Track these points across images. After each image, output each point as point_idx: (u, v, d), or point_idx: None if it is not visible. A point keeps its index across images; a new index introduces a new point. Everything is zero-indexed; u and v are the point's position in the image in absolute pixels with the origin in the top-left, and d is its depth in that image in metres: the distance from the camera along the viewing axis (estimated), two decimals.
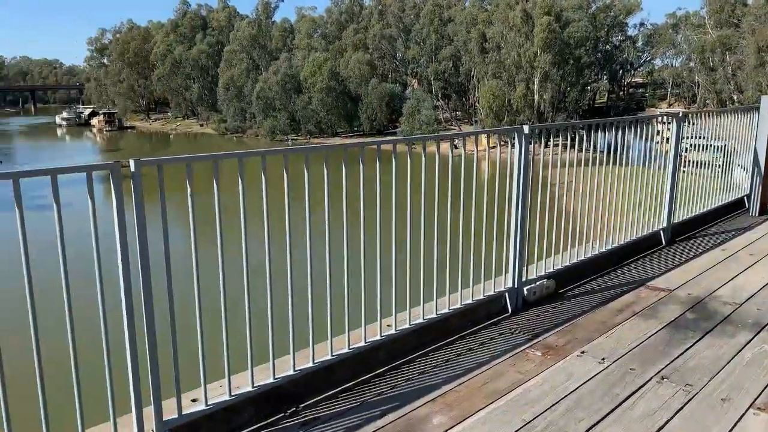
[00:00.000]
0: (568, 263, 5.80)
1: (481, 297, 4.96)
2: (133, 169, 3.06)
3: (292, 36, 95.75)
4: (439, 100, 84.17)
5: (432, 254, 4.55)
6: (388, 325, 4.34)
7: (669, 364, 4.26)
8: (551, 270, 5.60)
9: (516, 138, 5.03)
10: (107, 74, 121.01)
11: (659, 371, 4.14)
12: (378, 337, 4.20)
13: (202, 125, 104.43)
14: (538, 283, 5.42)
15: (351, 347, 4.05)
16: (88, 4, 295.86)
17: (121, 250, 3.12)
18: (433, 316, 4.57)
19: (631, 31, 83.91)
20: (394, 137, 4.33)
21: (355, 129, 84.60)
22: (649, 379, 4.03)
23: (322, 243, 3.91)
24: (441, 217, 4.56)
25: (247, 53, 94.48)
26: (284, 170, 3.67)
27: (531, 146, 5.08)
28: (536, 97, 70.43)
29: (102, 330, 3.11)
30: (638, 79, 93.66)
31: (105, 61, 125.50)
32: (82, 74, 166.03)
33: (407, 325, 4.39)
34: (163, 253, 3.33)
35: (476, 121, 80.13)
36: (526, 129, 5.00)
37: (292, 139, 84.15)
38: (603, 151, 6.20)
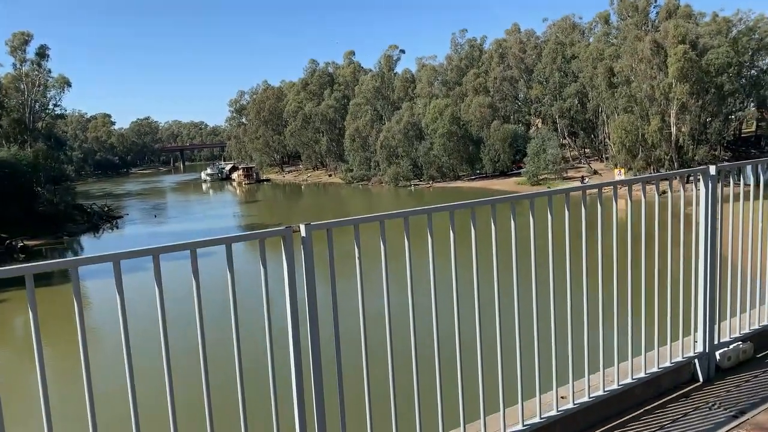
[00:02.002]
0: (767, 322, 4.97)
1: (668, 364, 4.33)
2: (303, 234, 2.99)
3: (414, 85, 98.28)
4: (565, 138, 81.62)
5: (611, 314, 4.04)
6: (562, 397, 3.87)
7: None
8: (747, 330, 4.82)
9: (701, 180, 4.43)
10: (245, 132, 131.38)
11: None
12: (554, 413, 3.74)
13: (330, 175, 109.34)
14: (732, 346, 4.66)
15: (525, 424, 3.63)
16: (230, 68, 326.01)
17: (292, 315, 3.04)
18: (615, 387, 4.03)
19: None
20: (556, 188, 3.98)
21: (477, 171, 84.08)
22: None
23: (489, 302, 3.59)
24: (618, 272, 4.06)
25: (371, 105, 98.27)
26: (450, 229, 3.42)
27: (719, 189, 4.44)
28: (673, 129, 65.92)
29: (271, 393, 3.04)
30: None
31: (243, 120, 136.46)
32: (223, 133, 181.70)
33: (586, 398, 3.89)
34: (333, 320, 3.21)
35: (607, 158, 76.43)
36: (712, 170, 4.39)
37: (414, 185, 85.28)
38: None
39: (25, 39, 70.44)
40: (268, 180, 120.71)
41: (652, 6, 75.80)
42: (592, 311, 3.93)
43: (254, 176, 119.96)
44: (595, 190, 4.10)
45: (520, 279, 3.67)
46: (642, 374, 4.18)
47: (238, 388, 2.99)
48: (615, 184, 4.26)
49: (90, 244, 57.57)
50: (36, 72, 71.66)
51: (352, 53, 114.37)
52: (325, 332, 3.21)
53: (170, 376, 2.83)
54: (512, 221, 3.55)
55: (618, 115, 68.93)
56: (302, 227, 3.02)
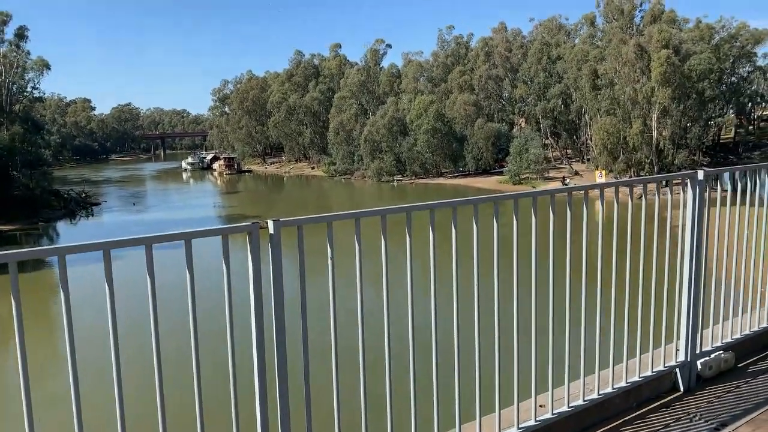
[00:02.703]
0: (748, 331, 4.88)
1: (649, 373, 4.20)
2: (272, 231, 2.79)
3: (399, 80, 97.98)
4: (548, 139, 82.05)
5: (593, 320, 3.90)
6: (541, 406, 3.73)
7: None
8: (729, 339, 4.72)
9: (689, 185, 4.30)
10: (228, 122, 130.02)
11: None
12: (532, 422, 3.59)
13: (312, 168, 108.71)
14: (713, 355, 4.56)
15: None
16: (213, 55, 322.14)
17: (256, 317, 2.85)
18: (595, 396, 3.89)
19: (761, 61, 77.80)
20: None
21: (460, 169, 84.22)
22: None
23: (468, 305, 3.42)
24: (602, 277, 3.92)
25: (356, 99, 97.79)
26: (430, 228, 3.24)
27: (706, 194, 4.32)
28: (654, 133, 66.59)
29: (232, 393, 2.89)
30: None
31: (226, 109, 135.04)
32: (206, 122, 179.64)
33: (565, 408, 3.75)
34: (301, 318, 3.02)
35: (588, 159, 77.02)
36: (700, 175, 4.27)
37: (397, 180, 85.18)
38: None
39: (3, 19, 68.75)
40: (249, 171, 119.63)
41: (638, 10, 76.44)
42: (573, 317, 3.79)
43: (236, 167, 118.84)
44: (581, 192, 3.95)
45: (501, 281, 3.51)
46: (623, 383, 4.06)
47: (195, 389, 2.80)
48: (601, 187, 4.13)
49: (66, 231, 56.55)
50: (14, 53, 70.05)
51: (339, 46, 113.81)
52: (292, 334, 3.02)
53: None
54: (494, 221, 3.39)
55: (600, 117, 69.41)
56: (270, 223, 2.81)
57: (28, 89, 74.66)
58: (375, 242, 3.28)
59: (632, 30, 73.48)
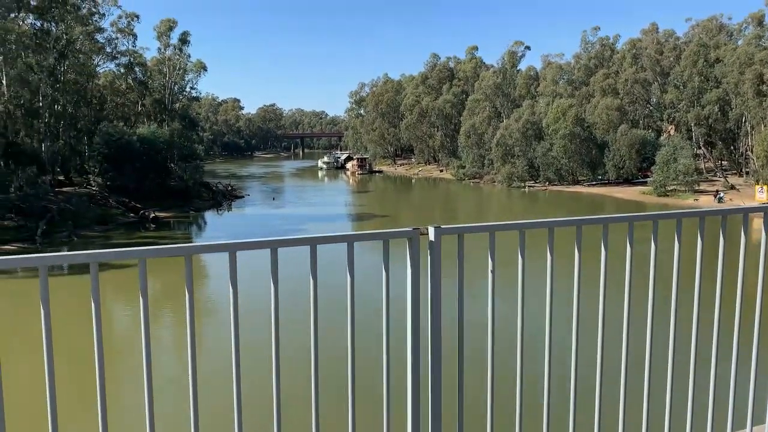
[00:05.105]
0: None
1: None
2: (432, 238, 2.63)
3: (537, 83, 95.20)
4: (700, 148, 75.47)
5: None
6: None
7: None
8: None
9: None
10: (362, 123, 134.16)
11: None
12: None
13: (441, 171, 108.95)
14: None
15: None
16: (354, 61, 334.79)
17: (412, 326, 2.69)
18: None
19: None
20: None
21: (599, 177, 79.93)
22: None
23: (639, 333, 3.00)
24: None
25: (490, 101, 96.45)
26: (602, 245, 2.85)
27: None
28: None
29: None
30: None
31: (362, 111, 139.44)
32: (342, 123, 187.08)
33: None
34: (457, 331, 2.81)
35: (747, 172, 69.75)
36: None
37: (529, 186, 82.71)
38: None
39: (170, 26, 76.11)
40: (380, 171, 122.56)
41: None
42: (762, 356, 3.21)
43: (367, 167, 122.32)
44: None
45: (678, 312, 3.08)
46: None
47: (349, 399, 2.69)
48: None
49: (212, 221, 61.33)
50: (177, 56, 77.29)
51: (475, 48, 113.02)
52: (447, 347, 2.83)
53: (278, 377, 2.62)
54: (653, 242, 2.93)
55: (765, 126, 62.54)
56: (431, 230, 2.65)
57: (187, 89, 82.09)
58: (538, 255, 2.97)
59: None
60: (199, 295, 27.30)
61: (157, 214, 56.53)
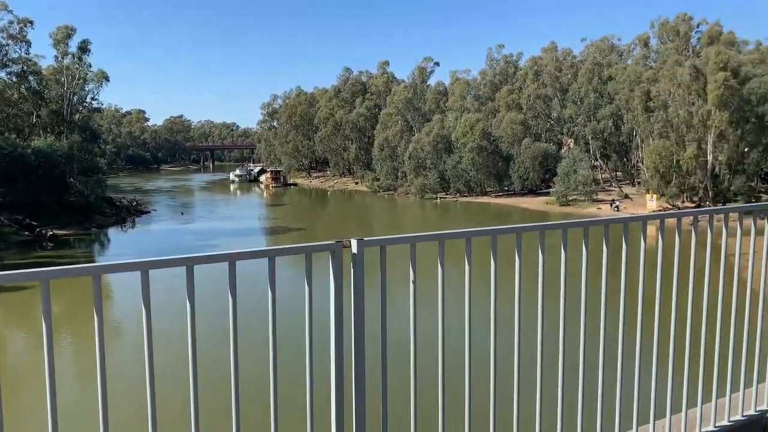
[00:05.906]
0: None
1: (739, 417, 3.89)
2: (354, 250, 2.69)
3: (446, 98, 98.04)
4: (597, 160, 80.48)
5: (683, 357, 3.64)
6: None
7: None
8: None
9: None
10: (276, 135, 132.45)
11: None
12: None
13: (356, 183, 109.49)
14: None
15: None
16: (265, 72, 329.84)
17: (336, 338, 2.75)
18: None
19: None
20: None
21: (506, 188, 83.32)
22: None
23: (534, 337, 3.24)
24: (693, 309, 3.66)
25: (402, 115, 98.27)
26: (516, 254, 3.07)
27: None
28: (710, 158, 64.44)
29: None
30: None
31: (274, 123, 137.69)
32: (254, 135, 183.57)
33: None
34: (381, 342, 2.89)
35: (639, 182, 75.13)
36: None
37: (440, 198, 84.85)
38: None
39: (68, 33, 71.98)
40: (295, 184, 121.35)
41: (694, 31, 74.63)
42: (661, 352, 3.54)
43: (281, 180, 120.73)
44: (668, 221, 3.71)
45: (588, 314, 3.34)
46: (710, 428, 3.75)
47: (271, 416, 2.70)
48: (680, 216, 3.89)
49: (116, 238, 58.25)
50: (76, 66, 73.15)
51: (387, 63, 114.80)
52: (371, 357, 2.91)
53: (196, 396, 2.58)
54: (584, 248, 3.20)
55: (653, 139, 67.73)
56: (354, 242, 2.72)
57: (88, 100, 77.82)
58: (455, 264, 3.14)
59: (688, 51, 71.74)
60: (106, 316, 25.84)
61: (55, 231, 53.02)
